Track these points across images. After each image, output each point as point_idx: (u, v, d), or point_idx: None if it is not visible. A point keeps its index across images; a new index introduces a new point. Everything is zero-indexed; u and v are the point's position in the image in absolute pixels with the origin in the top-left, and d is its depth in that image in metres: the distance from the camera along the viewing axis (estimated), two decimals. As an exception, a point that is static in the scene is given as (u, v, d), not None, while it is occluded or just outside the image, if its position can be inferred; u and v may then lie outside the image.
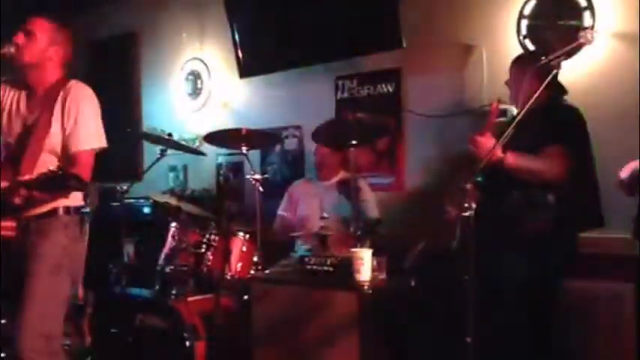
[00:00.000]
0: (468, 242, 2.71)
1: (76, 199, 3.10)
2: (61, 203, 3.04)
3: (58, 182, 2.64)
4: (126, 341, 4.01)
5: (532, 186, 3.14)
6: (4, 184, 2.90)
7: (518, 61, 3.55)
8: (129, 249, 4.93)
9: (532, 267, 3.18)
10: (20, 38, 3.11)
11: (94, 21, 6.75)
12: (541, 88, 2.61)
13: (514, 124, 2.71)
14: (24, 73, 3.18)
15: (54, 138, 3.03)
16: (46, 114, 3.03)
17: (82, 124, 3.03)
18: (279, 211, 4.95)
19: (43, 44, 3.12)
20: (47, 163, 2.91)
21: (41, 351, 2.92)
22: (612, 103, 3.89)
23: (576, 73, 3.93)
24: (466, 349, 2.73)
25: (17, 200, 2.78)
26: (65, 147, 3.03)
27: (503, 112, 3.81)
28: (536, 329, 3.28)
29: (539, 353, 3.29)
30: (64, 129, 3.03)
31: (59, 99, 3.05)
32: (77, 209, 3.12)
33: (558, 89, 3.37)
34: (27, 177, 2.74)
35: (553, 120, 3.13)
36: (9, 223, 2.95)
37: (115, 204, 4.06)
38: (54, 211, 3.03)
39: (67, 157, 3.02)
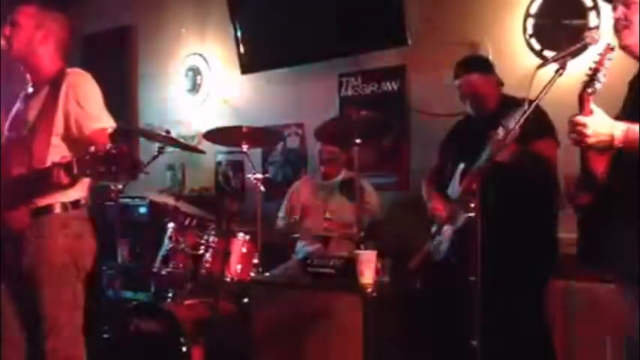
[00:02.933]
0: (472, 243, 2.67)
1: (73, 193, 2.97)
2: (57, 199, 2.92)
3: (114, 161, 2.53)
4: (120, 346, 3.96)
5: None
6: (21, 169, 2.86)
7: (477, 68, 3.73)
8: (123, 250, 4.88)
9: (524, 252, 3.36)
10: (7, 30, 3.07)
11: (90, 13, 6.68)
12: (547, 88, 2.53)
13: (518, 124, 2.64)
14: (22, 67, 3.13)
15: (60, 125, 2.96)
16: (50, 102, 2.97)
17: (86, 106, 2.96)
18: (280, 214, 4.87)
19: (29, 30, 3.06)
20: (58, 151, 2.88)
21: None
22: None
23: (580, 73, 3.87)
24: (472, 353, 2.68)
25: (65, 180, 2.64)
26: (78, 132, 2.95)
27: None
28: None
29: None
30: (67, 115, 2.95)
31: (59, 86, 2.99)
32: (75, 204, 3.00)
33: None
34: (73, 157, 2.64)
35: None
36: (22, 214, 2.85)
37: (110, 203, 4.00)
38: (50, 208, 2.92)
39: (82, 142, 2.91)
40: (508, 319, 3.28)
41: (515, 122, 2.67)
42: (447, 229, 3.57)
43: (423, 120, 4.73)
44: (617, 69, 2.42)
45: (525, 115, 2.57)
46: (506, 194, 3.24)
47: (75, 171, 2.57)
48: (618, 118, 2.37)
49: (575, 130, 2.25)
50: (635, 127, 2.22)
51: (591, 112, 2.25)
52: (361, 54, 5.01)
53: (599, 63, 2.26)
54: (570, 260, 3.53)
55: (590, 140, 2.24)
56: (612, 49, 2.28)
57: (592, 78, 2.25)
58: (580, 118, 2.24)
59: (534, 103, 2.55)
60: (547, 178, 3.44)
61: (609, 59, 2.25)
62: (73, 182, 2.70)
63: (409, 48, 4.68)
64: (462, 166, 3.65)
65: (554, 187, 3.44)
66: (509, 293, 3.28)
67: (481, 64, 3.78)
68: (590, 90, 2.24)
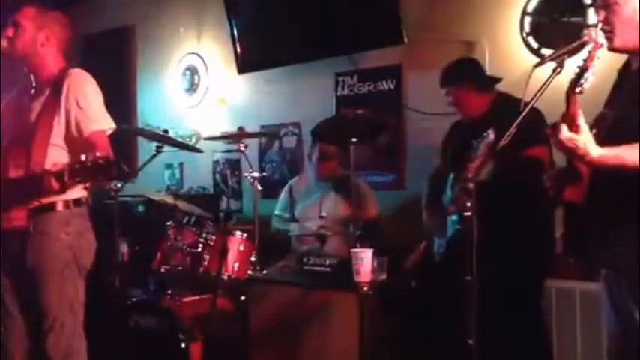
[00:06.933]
0: (468, 242, 2.70)
1: (75, 191, 3.00)
2: (60, 197, 2.94)
3: (101, 170, 2.59)
4: (119, 342, 3.97)
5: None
6: (19, 171, 2.90)
7: (449, 81, 3.78)
8: (123, 248, 4.89)
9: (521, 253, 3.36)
10: (10, 31, 3.10)
11: (88, 14, 6.67)
12: (545, 87, 2.53)
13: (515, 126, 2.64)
14: (24, 66, 3.17)
15: (60, 126, 3.00)
16: (51, 103, 3.01)
17: (87, 107, 3.01)
18: (276, 212, 4.88)
19: (31, 31, 3.10)
20: (57, 152, 2.95)
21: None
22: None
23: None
24: (468, 351, 2.70)
25: (56, 187, 2.69)
26: (78, 133, 2.99)
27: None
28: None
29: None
30: (68, 116, 3.00)
31: (61, 86, 3.02)
32: (77, 202, 3.04)
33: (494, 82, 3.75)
34: (65, 164, 2.68)
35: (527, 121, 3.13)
36: (20, 213, 2.89)
37: (109, 202, 4.02)
38: (52, 206, 2.95)
39: (80, 143, 2.96)
40: (505, 317, 3.29)
41: (482, 150, 2.70)
42: None
43: (419, 119, 4.73)
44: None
45: (521, 117, 2.57)
46: (499, 198, 3.22)
47: (66, 179, 2.62)
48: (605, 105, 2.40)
49: (569, 147, 2.20)
50: (609, 154, 2.18)
51: (578, 122, 2.19)
52: (357, 53, 4.99)
53: (588, 61, 2.22)
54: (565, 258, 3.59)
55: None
56: (601, 45, 2.25)
57: (580, 77, 2.22)
58: (575, 138, 2.18)
59: (529, 105, 2.54)
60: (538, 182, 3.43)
61: (598, 57, 2.22)
62: (64, 189, 2.74)
63: (405, 47, 4.67)
64: (452, 176, 3.67)
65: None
66: (505, 292, 3.29)
67: (450, 77, 3.78)
68: (578, 89, 2.21)
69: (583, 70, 2.22)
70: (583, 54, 2.29)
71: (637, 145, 2.15)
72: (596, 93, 2.46)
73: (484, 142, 2.69)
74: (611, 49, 2.39)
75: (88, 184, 3.01)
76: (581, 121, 2.19)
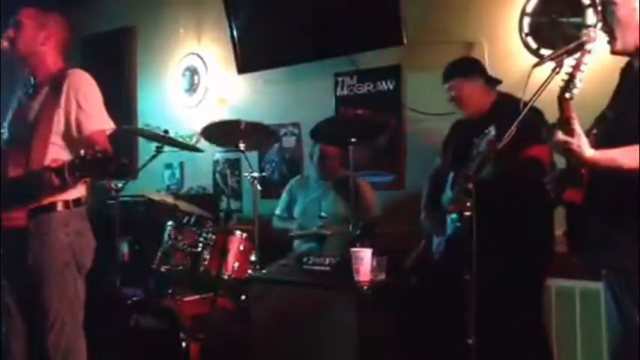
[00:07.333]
0: (468, 242, 2.69)
1: (74, 191, 3.03)
2: (60, 197, 2.97)
3: (100, 166, 2.63)
4: (120, 342, 3.98)
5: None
6: (18, 170, 2.92)
7: (456, 73, 3.74)
8: (123, 248, 4.90)
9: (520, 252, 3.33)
10: (11, 31, 3.14)
11: (89, 15, 6.68)
12: (544, 87, 2.54)
13: (515, 125, 2.65)
14: (25, 65, 3.21)
15: (60, 125, 3.01)
16: (50, 101, 3.03)
17: (87, 107, 3.03)
18: (277, 212, 4.89)
19: (31, 31, 3.15)
20: (57, 150, 2.96)
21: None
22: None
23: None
24: (468, 351, 2.70)
25: (56, 182, 2.73)
26: (78, 132, 3.01)
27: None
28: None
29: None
30: (68, 116, 3.01)
31: (60, 86, 3.04)
32: (76, 202, 3.05)
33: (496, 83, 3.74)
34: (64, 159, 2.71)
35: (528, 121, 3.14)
36: (20, 213, 2.90)
37: (110, 202, 4.03)
38: (52, 207, 2.97)
39: (80, 142, 2.97)
40: (504, 317, 3.30)
41: (484, 146, 2.70)
42: None
43: (418, 119, 4.72)
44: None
45: (521, 116, 2.58)
46: (499, 198, 3.22)
47: (66, 174, 2.65)
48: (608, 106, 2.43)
49: (564, 149, 2.25)
50: (602, 157, 2.22)
51: (573, 126, 2.23)
52: (357, 53, 4.97)
53: (575, 69, 2.25)
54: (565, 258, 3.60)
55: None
56: (589, 51, 2.27)
57: (569, 83, 2.24)
58: (569, 141, 2.22)
59: (529, 105, 2.55)
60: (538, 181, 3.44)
61: (586, 63, 2.25)
62: (65, 185, 2.77)
63: (405, 47, 4.65)
64: (452, 175, 3.68)
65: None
66: (505, 292, 3.29)
67: (459, 69, 3.76)
68: (568, 95, 2.23)
69: (571, 76, 2.25)
70: (571, 61, 2.31)
71: (633, 148, 2.17)
72: (596, 93, 2.48)
73: (486, 139, 2.70)
74: (614, 52, 2.41)
75: (87, 180, 3.04)
76: (576, 125, 2.22)
